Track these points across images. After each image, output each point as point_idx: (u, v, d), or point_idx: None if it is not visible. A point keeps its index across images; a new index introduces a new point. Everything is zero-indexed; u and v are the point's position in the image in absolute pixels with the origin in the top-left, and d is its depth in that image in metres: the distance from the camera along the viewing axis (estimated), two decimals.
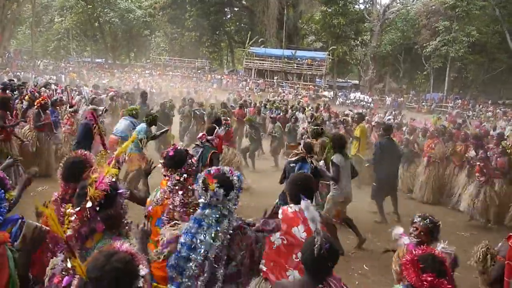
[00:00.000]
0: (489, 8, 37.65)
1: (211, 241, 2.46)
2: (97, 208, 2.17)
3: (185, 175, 3.29)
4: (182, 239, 2.54)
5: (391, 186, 7.77)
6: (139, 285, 1.67)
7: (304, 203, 2.55)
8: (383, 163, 7.54)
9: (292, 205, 3.30)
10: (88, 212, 2.14)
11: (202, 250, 2.46)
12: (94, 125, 6.65)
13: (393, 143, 7.97)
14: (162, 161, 3.43)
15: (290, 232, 3.11)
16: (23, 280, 2.44)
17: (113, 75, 36.60)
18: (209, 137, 5.97)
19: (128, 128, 8.10)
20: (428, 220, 3.46)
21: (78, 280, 1.74)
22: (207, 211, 2.55)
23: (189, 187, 3.25)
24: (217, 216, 2.52)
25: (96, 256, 1.69)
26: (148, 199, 3.44)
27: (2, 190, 2.38)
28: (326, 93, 38.19)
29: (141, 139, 7.44)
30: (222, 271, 2.47)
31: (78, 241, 2.18)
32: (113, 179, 2.27)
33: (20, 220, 2.94)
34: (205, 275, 2.44)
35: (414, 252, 2.31)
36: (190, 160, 3.40)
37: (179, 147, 3.50)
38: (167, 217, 3.17)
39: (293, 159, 5.89)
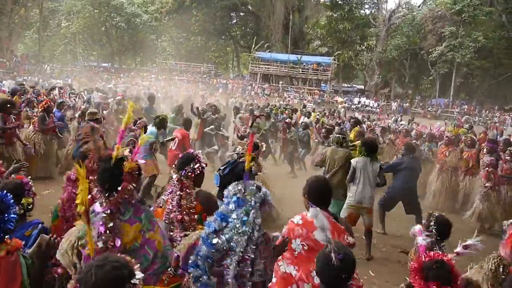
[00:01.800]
0: (496, 14, 37.56)
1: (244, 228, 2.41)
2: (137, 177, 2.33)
3: (183, 178, 3.31)
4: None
5: (413, 206, 7.51)
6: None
7: (312, 210, 2.49)
8: (404, 180, 7.37)
9: (311, 209, 3.22)
10: (131, 184, 2.27)
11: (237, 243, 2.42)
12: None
13: (417, 162, 7.79)
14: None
15: (310, 237, 3.06)
16: (36, 286, 2.44)
17: (120, 78, 36.80)
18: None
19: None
20: (433, 216, 3.49)
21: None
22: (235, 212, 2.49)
23: (187, 190, 3.26)
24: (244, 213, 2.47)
25: (87, 265, 1.70)
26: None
27: (17, 195, 2.38)
28: (339, 98, 37.77)
29: (153, 142, 7.29)
30: (250, 269, 2.44)
31: (115, 215, 2.28)
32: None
33: (41, 225, 2.97)
34: (232, 269, 2.41)
35: (421, 258, 2.28)
36: (196, 165, 3.40)
37: (192, 151, 3.58)
38: (166, 219, 3.19)
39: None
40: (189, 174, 3.34)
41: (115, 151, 2.35)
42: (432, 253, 2.35)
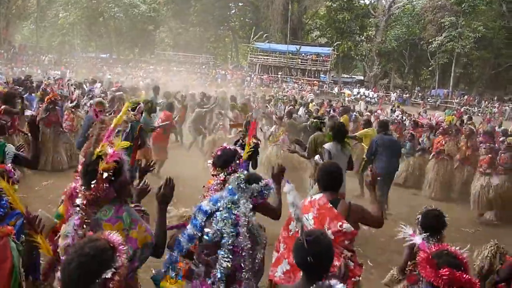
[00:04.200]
0: (496, 3, 37.31)
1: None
2: (112, 179, 2.31)
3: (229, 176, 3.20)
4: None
5: (389, 179, 7.56)
6: (107, 276, 1.66)
7: (287, 187, 2.45)
8: (383, 159, 7.40)
9: (316, 194, 3.32)
10: (104, 184, 2.27)
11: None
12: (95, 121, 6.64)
13: (393, 139, 7.84)
14: (211, 160, 3.41)
15: (320, 229, 3.07)
16: (30, 269, 2.49)
17: (123, 70, 36.71)
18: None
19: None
20: (427, 211, 3.50)
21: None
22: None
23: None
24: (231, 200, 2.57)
25: (79, 241, 1.74)
26: None
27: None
28: (346, 91, 37.48)
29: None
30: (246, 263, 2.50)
31: (88, 208, 2.29)
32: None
33: None
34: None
35: (427, 250, 2.27)
36: (237, 160, 3.34)
37: (228, 146, 3.45)
38: None
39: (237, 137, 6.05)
40: (237, 170, 3.24)
41: (99, 148, 2.36)
42: (434, 244, 2.37)
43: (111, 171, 2.29)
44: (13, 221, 2.79)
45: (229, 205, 2.57)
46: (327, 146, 5.93)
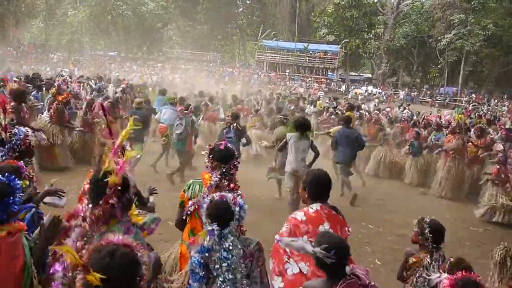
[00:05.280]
0: (506, 0, 36.93)
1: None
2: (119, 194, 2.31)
3: (225, 174, 3.27)
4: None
5: (348, 165, 8.62)
6: (142, 272, 1.76)
7: (283, 243, 2.64)
8: (342, 149, 8.49)
9: (313, 205, 3.20)
10: (113, 199, 2.28)
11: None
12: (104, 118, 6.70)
13: (352, 132, 8.77)
14: (207, 152, 3.40)
15: (316, 232, 3.02)
16: (40, 268, 2.50)
17: (131, 68, 36.88)
18: None
19: (173, 116, 9.08)
20: (426, 223, 3.42)
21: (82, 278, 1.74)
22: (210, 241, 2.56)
23: (225, 183, 3.25)
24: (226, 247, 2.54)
25: (98, 254, 1.72)
26: (184, 193, 3.43)
27: (18, 180, 2.43)
28: (358, 90, 37.45)
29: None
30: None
31: (95, 225, 2.29)
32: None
33: (34, 209, 3.01)
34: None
35: (453, 277, 2.29)
36: (236, 162, 3.37)
37: (228, 144, 3.47)
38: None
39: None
40: (232, 167, 3.32)
41: (106, 164, 2.34)
42: (460, 272, 2.36)
43: (119, 185, 2.29)
44: (22, 214, 2.84)
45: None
46: (289, 135, 6.91)
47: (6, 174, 2.38)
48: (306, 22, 48.69)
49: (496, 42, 37.33)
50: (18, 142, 3.71)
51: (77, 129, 9.20)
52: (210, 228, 2.53)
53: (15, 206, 2.34)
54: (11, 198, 2.34)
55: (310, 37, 48.15)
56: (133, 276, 1.73)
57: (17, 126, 4.38)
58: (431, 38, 39.24)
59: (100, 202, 2.28)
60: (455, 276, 2.29)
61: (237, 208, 2.59)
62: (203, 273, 2.52)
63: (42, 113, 9.21)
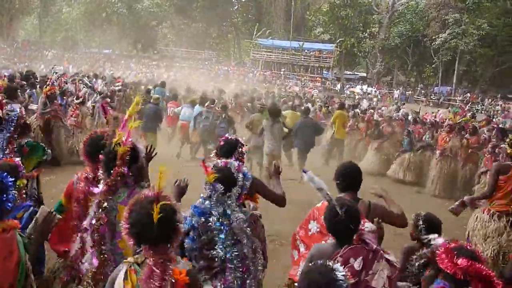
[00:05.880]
0: (500, 0, 37.10)
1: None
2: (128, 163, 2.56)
3: None
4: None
5: (305, 151, 9.73)
6: (180, 219, 2.01)
7: (307, 175, 2.55)
8: (300, 136, 9.55)
9: (341, 195, 3.26)
10: (123, 168, 2.53)
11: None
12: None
13: (308, 120, 10.08)
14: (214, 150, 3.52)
15: (320, 221, 3.10)
16: (35, 262, 2.54)
17: (126, 65, 36.75)
18: None
19: (191, 114, 10.79)
20: (420, 216, 3.47)
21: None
22: (206, 202, 2.59)
23: None
24: (219, 213, 2.55)
25: (139, 204, 1.93)
26: None
27: (12, 178, 2.43)
28: (357, 89, 37.71)
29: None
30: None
31: (110, 193, 2.56)
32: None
33: (32, 208, 3.01)
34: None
35: (446, 245, 2.37)
36: (240, 149, 3.44)
37: (230, 136, 3.55)
38: None
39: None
40: (240, 158, 3.38)
41: (116, 137, 2.56)
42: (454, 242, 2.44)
43: (128, 154, 2.52)
44: (20, 213, 2.87)
45: (220, 219, 2.56)
46: (264, 121, 8.34)
47: None
48: (301, 21, 48.68)
49: (490, 41, 37.51)
50: (16, 117, 3.76)
51: (68, 134, 9.19)
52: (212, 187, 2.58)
53: (9, 204, 2.34)
54: (4, 195, 2.34)
55: (305, 36, 48.13)
56: (175, 219, 1.96)
57: (10, 103, 4.40)
58: (426, 37, 39.36)
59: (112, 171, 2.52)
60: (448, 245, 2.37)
61: (241, 175, 2.62)
62: (195, 235, 2.56)
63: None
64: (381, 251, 2.50)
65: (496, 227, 4.15)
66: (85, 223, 2.60)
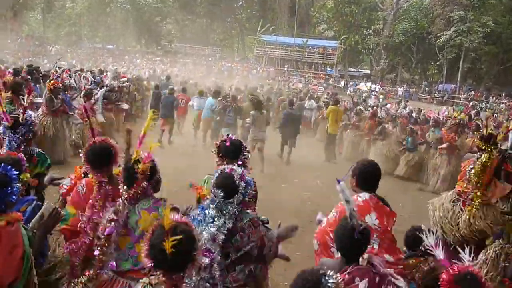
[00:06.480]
0: None
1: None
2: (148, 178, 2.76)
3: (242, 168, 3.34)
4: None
5: (291, 139, 10.96)
6: (198, 246, 2.03)
7: (339, 186, 2.52)
8: (286, 125, 10.79)
9: (362, 193, 3.19)
10: (143, 183, 2.73)
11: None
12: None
13: (294, 111, 11.55)
14: (215, 149, 3.48)
15: (363, 221, 3.00)
16: (38, 255, 2.56)
17: (130, 61, 36.77)
18: None
19: (202, 104, 12.23)
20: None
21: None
22: (206, 211, 2.66)
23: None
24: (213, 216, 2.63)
25: (161, 229, 1.96)
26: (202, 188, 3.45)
27: (17, 171, 2.44)
28: (362, 87, 37.62)
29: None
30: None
31: (130, 202, 2.75)
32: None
33: (35, 202, 3.04)
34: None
35: (450, 271, 2.23)
36: (245, 152, 3.44)
37: (233, 137, 3.51)
38: None
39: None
40: (245, 160, 3.38)
41: (134, 154, 2.76)
42: (457, 265, 2.30)
43: (148, 171, 2.72)
44: (24, 207, 2.89)
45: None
46: (251, 112, 9.92)
47: (3, 164, 2.39)
48: (306, 17, 48.52)
49: (495, 39, 37.29)
50: (33, 123, 3.91)
51: (77, 122, 9.22)
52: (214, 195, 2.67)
53: (13, 196, 2.36)
54: (9, 188, 2.35)
55: (309, 33, 48.01)
56: (192, 249, 1.98)
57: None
58: (430, 34, 39.17)
59: (133, 184, 2.70)
60: (451, 270, 2.25)
61: (243, 183, 2.64)
62: None
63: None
64: (390, 276, 2.44)
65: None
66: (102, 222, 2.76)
